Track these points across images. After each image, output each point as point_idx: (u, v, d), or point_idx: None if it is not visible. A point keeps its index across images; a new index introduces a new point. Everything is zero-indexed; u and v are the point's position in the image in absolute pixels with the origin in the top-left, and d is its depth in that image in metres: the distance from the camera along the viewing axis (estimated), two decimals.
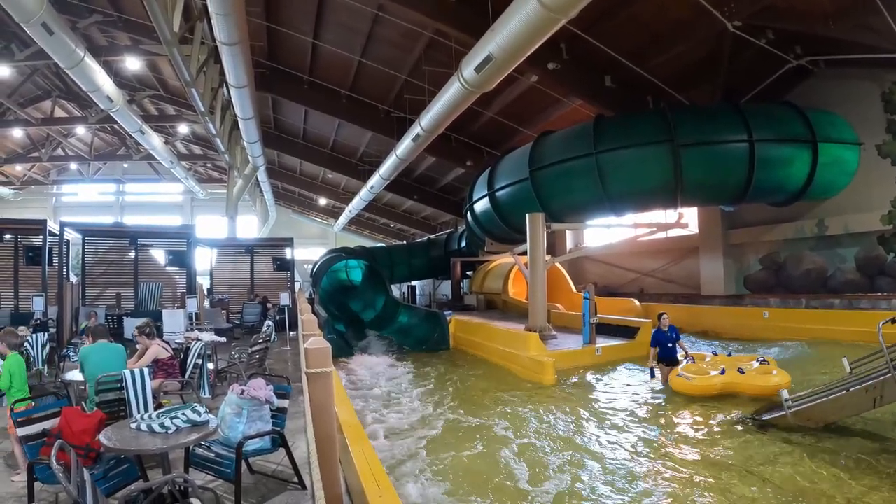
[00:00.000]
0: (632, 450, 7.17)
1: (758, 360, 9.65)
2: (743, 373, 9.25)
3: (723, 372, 9.43)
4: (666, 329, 10.51)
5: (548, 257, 15.38)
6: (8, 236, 15.41)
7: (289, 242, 21.05)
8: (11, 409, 4.44)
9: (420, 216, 37.10)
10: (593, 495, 5.87)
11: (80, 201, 44.43)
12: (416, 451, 7.51)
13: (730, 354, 10.61)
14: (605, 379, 11.41)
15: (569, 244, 24.87)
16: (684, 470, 6.39)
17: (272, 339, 10.76)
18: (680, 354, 10.56)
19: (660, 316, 10.68)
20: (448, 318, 17.88)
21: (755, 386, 9.00)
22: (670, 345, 10.51)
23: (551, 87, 16.04)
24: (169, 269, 17.55)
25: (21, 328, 10.50)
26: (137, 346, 7.02)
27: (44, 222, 13.90)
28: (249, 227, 40.84)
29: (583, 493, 5.93)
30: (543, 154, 15.39)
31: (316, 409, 4.03)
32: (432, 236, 33.31)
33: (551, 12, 8.49)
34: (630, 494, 5.83)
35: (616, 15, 12.81)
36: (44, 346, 9.53)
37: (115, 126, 24.51)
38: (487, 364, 14.05)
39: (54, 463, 2.86)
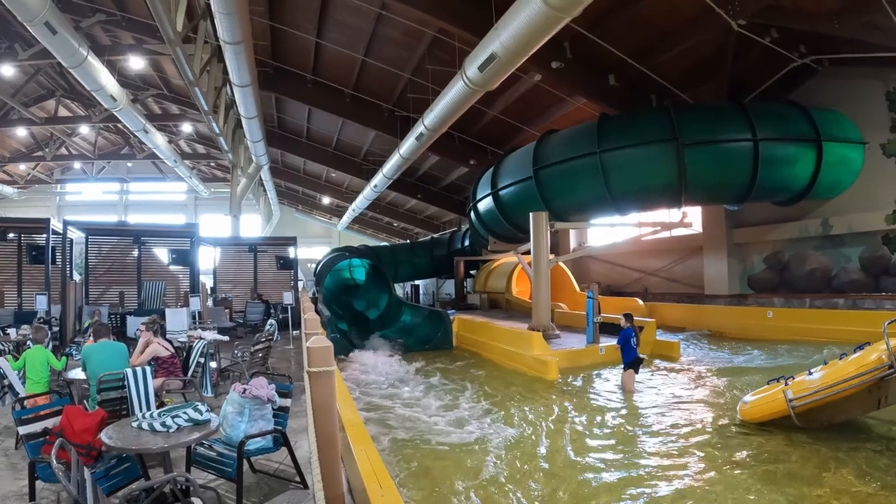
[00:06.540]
0: (630, 447, 7.14)
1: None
2: None
3: None
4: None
5: (551, 256, 15.34)
6: (11, 235, 15.41)
7: (292, 241, 21.08)
8: (14, 408, 4.44)
9: (423, 215, 37.09)
10: (585, 490, 5.85)
11: (84, 200, 44.50)
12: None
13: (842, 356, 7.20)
14: (607, 378, 11.36)
15: (572, 243, 24.83)
16: (685, 469, 6.34)
17: (275, 338, 10.76)
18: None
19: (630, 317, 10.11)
20: (451, 318, 17.85)
21: None
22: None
23: (555, 86, 15.98)
24: (172, 267, 17.58)
25: (24, 327, 10.53)
26: (139, 341, 7.00)
27: (47, 221, 13.93)
28: (253, 225, 41.02)
29: (574, 489, 5.90)
30: (547, 153, 15.37)
31: (318, 409, 4.02)
32: (436, 235, 33.34)
33: (555, 11, 8.48)
34: (628, 492, 5.80)
35: (620, 13, 12.76)
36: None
37: (119, 125, 24.63)
38: (491, 363, 14.02)
39: (54, 462, 2.85)
